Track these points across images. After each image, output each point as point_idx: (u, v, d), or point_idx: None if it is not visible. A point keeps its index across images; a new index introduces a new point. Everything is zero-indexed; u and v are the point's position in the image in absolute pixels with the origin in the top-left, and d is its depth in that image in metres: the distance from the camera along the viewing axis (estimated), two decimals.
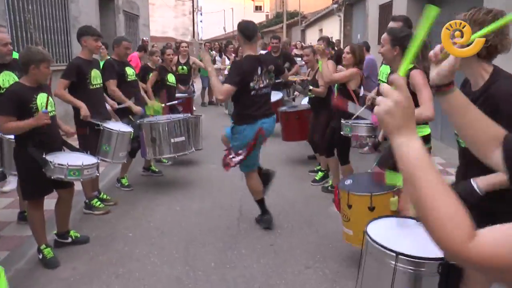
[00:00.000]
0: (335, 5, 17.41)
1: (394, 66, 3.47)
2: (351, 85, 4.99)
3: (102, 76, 5.00)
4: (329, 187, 5.66)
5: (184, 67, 8.86)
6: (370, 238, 2.38)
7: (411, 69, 3.26)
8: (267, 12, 44.89)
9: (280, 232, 4.49)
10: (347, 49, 5.05)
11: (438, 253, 2.06)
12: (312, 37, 24.22)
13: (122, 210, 5.09)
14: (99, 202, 4.98)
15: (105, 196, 5.22)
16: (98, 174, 4.09)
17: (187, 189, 5.88)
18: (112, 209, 5.04)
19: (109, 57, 5.99)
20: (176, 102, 6.97)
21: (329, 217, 4.76)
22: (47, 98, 3.74)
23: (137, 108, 5.50)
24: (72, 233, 4.17)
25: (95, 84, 4.81)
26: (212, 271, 3.73)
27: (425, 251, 2.18)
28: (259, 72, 4.23)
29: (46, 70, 3.76)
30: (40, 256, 3.79)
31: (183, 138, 5.66)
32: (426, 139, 3.39)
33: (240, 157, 4.27)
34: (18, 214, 4.54)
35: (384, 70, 4.57)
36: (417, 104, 3.21)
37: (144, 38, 13.09)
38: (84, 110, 4.59)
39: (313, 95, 5.93)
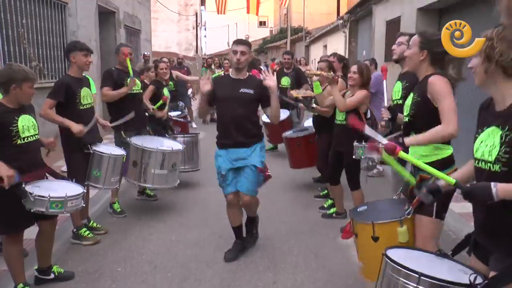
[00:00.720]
0: (340, 21, 17.13)
1: (419, 72, 3.03)
2: (362, 108, 4.63)
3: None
4: (334, 214, 5.31)
5: (170, 82, 8.43)
6: (389, 258, 2.20)
7: (430, 75, 2.87)
8: (271, 27, 44.84)
9: (284, 267, 4.10)
10: (354, 68, 4.65)
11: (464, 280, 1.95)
12: (316, 53, 23.96)
13: (113, 239, 4.70)
14: (87, 232, 4.59)
15: (95, 225, 4.83)
16: (84, 205, 3.71)
17: (184, 215, 5.49)
18: (102, 238, 4.66)
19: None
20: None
21: (337, 249, 4.43)
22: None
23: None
24: (55, 268, 3.77)
25: (85, 104, 4.46)
26: None
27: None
28: None
29: (30, 91, 3.45)
30: None
31: (165, 172, 5.19)
32: (449, 161, 2.90)
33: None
34: None
35: (396, 89, 4.24)
36: (437, 120, 2.80)
37: (145, 53, 12.81)
38: (76, 127, 4.22)
39: (317, 114, 5.57)
